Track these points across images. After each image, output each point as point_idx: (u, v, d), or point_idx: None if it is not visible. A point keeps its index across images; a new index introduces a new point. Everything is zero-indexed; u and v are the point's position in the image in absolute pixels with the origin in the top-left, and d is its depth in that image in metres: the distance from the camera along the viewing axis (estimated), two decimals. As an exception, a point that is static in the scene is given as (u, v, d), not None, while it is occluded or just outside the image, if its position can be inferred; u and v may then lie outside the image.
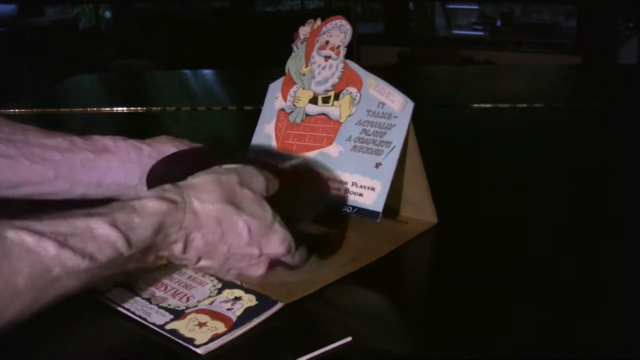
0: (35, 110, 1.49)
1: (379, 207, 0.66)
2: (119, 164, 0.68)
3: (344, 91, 0.72)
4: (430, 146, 0.73)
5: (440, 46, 4.18)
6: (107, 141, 0.69)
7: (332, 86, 0.73)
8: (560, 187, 0.90)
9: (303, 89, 0.75)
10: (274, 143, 0.76)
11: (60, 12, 5.58)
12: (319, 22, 0.75)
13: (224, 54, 3.88)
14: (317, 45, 0.74)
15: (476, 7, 4.41)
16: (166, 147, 0.70)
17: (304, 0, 5.26)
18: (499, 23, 4.24)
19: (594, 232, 0.73)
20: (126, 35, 4.42)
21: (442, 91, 1.55)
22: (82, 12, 5.64)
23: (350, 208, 0.68)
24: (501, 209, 0.80)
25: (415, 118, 0.67)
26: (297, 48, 0.76)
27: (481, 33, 4.27)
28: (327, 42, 0.73)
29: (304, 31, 0.76)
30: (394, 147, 0.67)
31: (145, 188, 0.67)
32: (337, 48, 0.72)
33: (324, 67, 0.73)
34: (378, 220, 0.66)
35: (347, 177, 0.69)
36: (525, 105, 1.31)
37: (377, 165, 0.68)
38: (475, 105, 1.32)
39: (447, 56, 3.92)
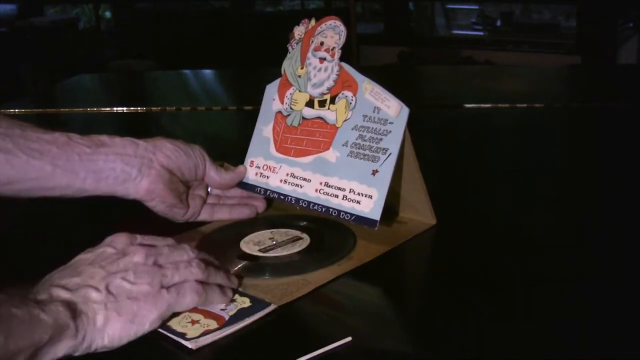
0: (35, 110, 1.49)
1: (376, 215, 0.66)
2: (115, 156, 0.69)
3: (340, 95, 0.71)
4: (429, 146, 0.73)
5: (440, 46, 4.19)
6: (104, 137, 0.70)
7: (327, 89, 0.72)
8: (560, 188, 0.90)
9: (299, 91, 0.75)
10: (272, 146, 0.76)
11: (60, 12, 5.58)
12: (313, 22, 0.74)
13: (224, 54, 3.89)
14: (312, 47, 0.74)
15: (476, 7, 4.42)
16: (162, 142, 0.71)
17: (304, 0, 5.26)
18: (499, 23, 4.24)
19: (594, 233, 0.73)
20: (126, 35, 4.43)
21: (442, 91, 1.55)
22: (82, 12, 5.65)
23: (348, 216, 0.68)
24: (500, 210, 0.80)
25: (415, 118, 0.67)
26: (293, 49, 0.76)
27: (481, 33, 4.28)
28: (321, 43, 0.73)
29: (298, 31, 0.76)
30: (390, 154, 0.66)
31: (143, 181, 0.68)
32: (332, 50, 0.72)
33: (319, 69, 0.73)
34: (376, 228, 0.66)
35: (344, 183, 0.69)
36: (525, 105, 1.30)
37: (374, 172, 0.67)
38: (475, 105, 1.32)
39: (447, 56, 3.93)
